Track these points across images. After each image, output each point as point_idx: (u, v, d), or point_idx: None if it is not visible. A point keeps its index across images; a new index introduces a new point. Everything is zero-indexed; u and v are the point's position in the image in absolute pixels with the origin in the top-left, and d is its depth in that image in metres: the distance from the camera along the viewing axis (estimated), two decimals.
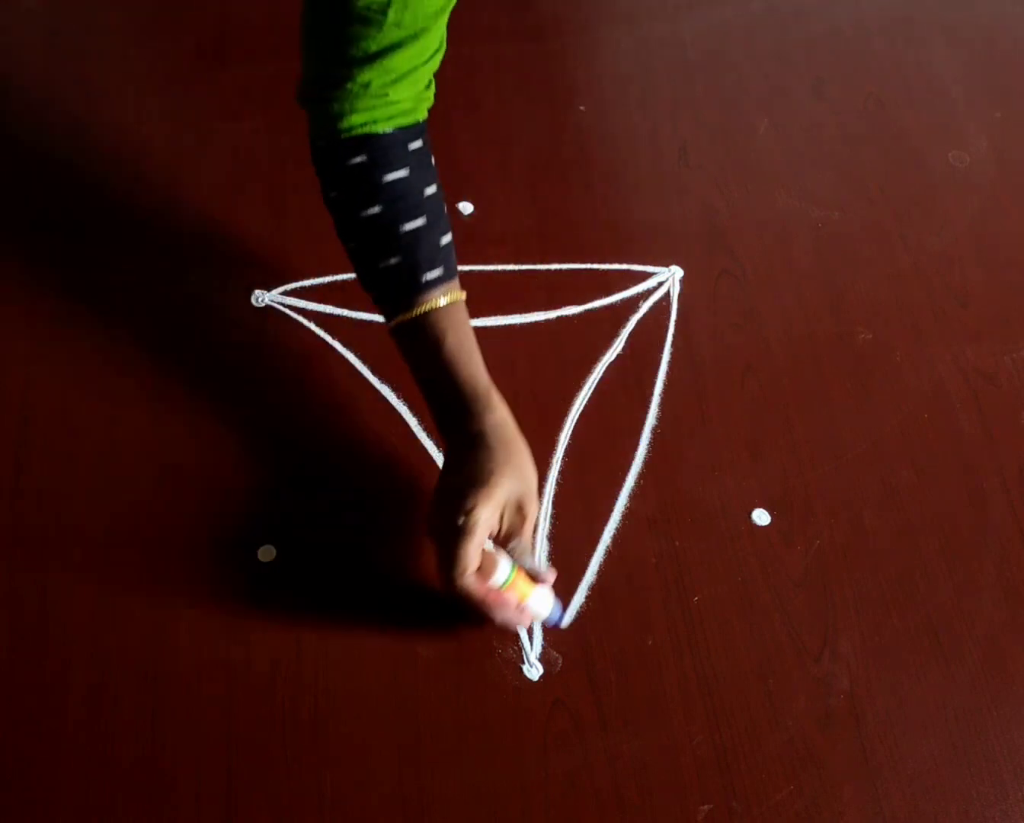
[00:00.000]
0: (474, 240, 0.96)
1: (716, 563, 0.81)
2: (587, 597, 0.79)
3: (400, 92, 0.76)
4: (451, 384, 0.77)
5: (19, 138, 1.04)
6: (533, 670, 0.76)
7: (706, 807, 0.72)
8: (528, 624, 0.77)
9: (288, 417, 0.87)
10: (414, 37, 0.73)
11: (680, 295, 0.95)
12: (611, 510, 0.83)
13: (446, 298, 0.77)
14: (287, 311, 0.92)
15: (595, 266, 0.97)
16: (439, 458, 0.85)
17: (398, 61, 0.74)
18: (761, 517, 0.83)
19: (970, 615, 0.80)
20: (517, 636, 0.77)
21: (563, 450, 0.86)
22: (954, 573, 0.81)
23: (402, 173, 0.77)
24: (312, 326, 0.91)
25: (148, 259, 0.95)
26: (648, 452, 0.86)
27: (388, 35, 0.72)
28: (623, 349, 0.92)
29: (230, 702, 0.75)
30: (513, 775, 0.73)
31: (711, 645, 0.78)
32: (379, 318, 0.92)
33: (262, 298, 0.93)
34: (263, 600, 0.78)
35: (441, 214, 0.79)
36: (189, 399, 0.87)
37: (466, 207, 0.99)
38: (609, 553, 0.81)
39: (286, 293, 0.93)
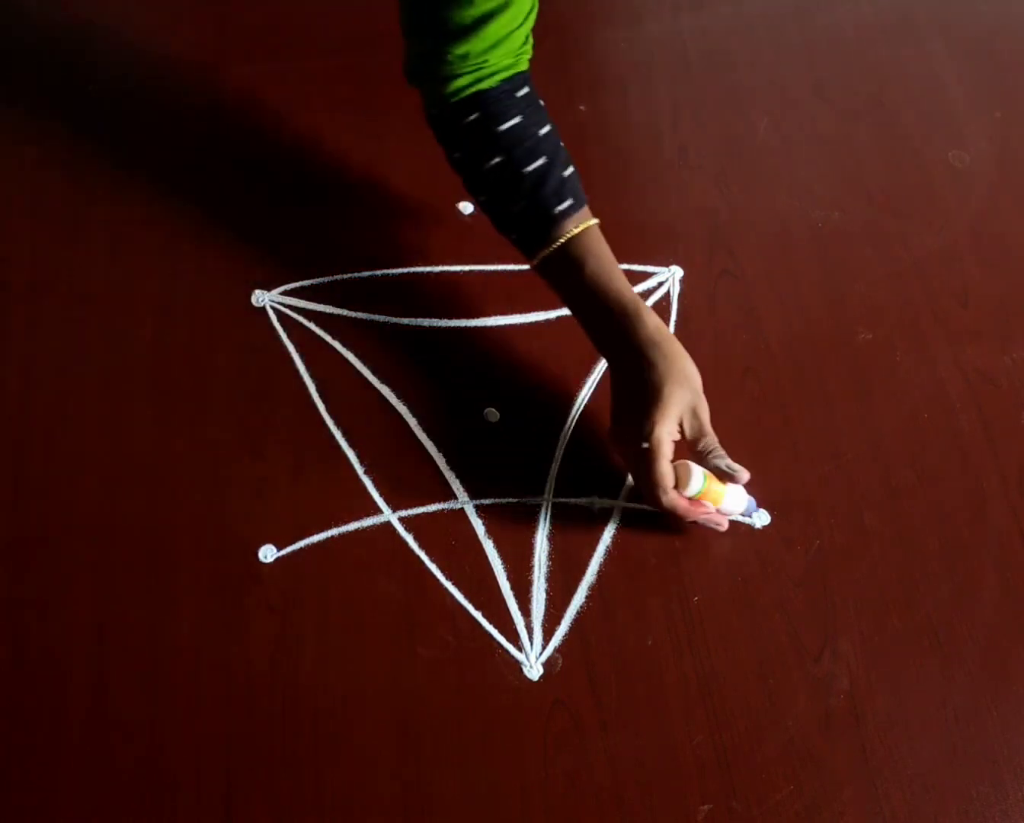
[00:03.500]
0: (474, 240, 0.96)
1: (716, 563, 0.81)
2: (587, 597, 0.79)
3: (497, 56, 0.79)
4: (599, 306, 0.80)
5: (17, 137, 1.04)
6: (533, 670, 0.76)
7: (706, 807, 0.72)
8: (726, 524, 0.81)
9: (288, 417, 0.87)
10: (505, 5, 0.77)
11: (680, 295, 0.95)
12: (611, 510, 0.83)
13: (579, 226, 0.81)
14: (287, 311, 0.92)
15: None
16: (439, 457, 0.85)
17: (492, 29, 0.77)
18: (761, 517, 0.83)
19: (970, 615, 0.80)
20: (517, 636, 0.77)
21: (563, 450, 0.86)
22: (954, 573, 0.81)
23: (515, 120, 0.81)
24: (312, 326, 0.91)
25: (148, 259, 0.95)
26: None
27: (480, 7, 0.76)
28: None
29: (230, 702, 0.75)
30: (513, 775, 0.73)
31: (711, 645, 0.78)
32: (379, 317, 0.92)
33: (262, 298, 0.93)
34: (263, 600, 0.78)
35: (559, 149, 0.83)
36: (189, 399, 0.87)
37: (466, 207, 0.98)
38: (609, 553, 0.81)
39: (286, 293, 0.93)
